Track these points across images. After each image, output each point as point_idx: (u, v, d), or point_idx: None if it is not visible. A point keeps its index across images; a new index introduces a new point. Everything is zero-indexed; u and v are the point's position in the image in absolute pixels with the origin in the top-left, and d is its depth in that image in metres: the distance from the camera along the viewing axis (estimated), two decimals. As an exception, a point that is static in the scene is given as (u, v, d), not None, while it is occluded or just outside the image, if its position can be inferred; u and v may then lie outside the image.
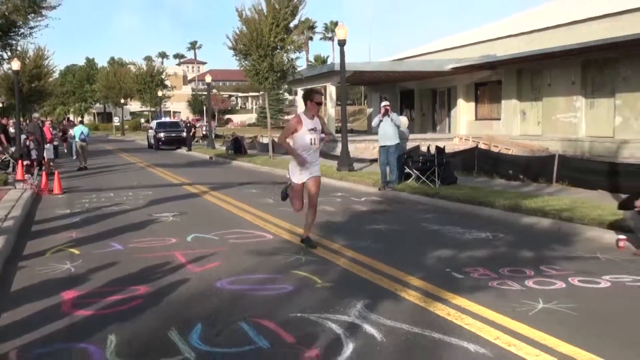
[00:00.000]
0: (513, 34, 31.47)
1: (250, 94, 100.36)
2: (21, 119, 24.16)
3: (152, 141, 40.21)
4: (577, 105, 26.07)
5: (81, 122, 25.70)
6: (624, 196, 8.80)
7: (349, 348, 4.62)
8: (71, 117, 76.96)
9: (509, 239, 8.90)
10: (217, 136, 42.68)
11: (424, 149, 16.21)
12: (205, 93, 53.06)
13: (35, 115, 27.49)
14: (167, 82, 63.60)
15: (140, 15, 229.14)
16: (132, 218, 11.27)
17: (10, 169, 20.11)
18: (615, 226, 8.83)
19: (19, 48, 22.37)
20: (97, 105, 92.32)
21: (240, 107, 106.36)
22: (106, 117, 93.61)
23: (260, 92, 33.93)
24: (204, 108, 72.69)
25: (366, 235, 9.20)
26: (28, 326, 5.22)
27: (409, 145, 16.95)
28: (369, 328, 5.06)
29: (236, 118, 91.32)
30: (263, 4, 24.09)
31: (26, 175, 17.98)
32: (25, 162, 19.51)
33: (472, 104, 33.63)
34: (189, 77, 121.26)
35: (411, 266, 7.17)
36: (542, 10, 32.86)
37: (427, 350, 4.60)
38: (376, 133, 15.13)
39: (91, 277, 6.91)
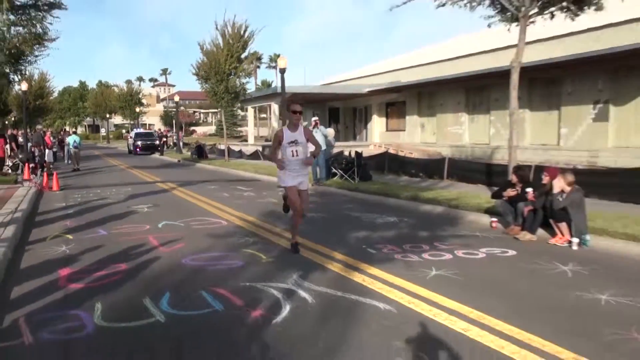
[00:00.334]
0: (415, 65, 31.95)
1: (211, 110, 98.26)
2: (28, 130, 23.50)
3: (132, 148, 39.10)
4: (462, 120, 26.66)
5: (74, 133, 24.61)
6: (495, 188, 9.08)
7: (286, 309, 4.62)
8: (67, 128, 74.21)
9: (411, 222, 9.03)
10: (184, 144, 41.81)
11: (346, 153, 16.29)
12: (175, 109, 51.71)
13: (39, 126, 26.66)
14: (144, 101, 62.52)
15: (123, 46, 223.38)
16: (115, 209, 10.91)
17: (19, 171, 19.44)
18: (490, 211, 9.14)
19: (26, 73, 21.85)
20: (88, 119, 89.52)
21: (203, 120, 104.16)
22: (95, 128, 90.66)
23: (218, 109, 33.45)
24: (174, 121, 70.90)
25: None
26: (33, 297, 5.11)
27: (335, 150, 17.01)
28: (302, 293, 5.05)
29: (199, 129, 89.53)
30: (220, 40, 23.97)
31: (32, 176, 17.65)
32: (31, 165, 19.14)
33: (384, 119, 33.96)
34: (161, 96, 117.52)
35: (336, 244, 7.20)
36: (438, 47, 33.47)
37: (347, 309, 4.63)
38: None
39: (82, 257, 6.73)
